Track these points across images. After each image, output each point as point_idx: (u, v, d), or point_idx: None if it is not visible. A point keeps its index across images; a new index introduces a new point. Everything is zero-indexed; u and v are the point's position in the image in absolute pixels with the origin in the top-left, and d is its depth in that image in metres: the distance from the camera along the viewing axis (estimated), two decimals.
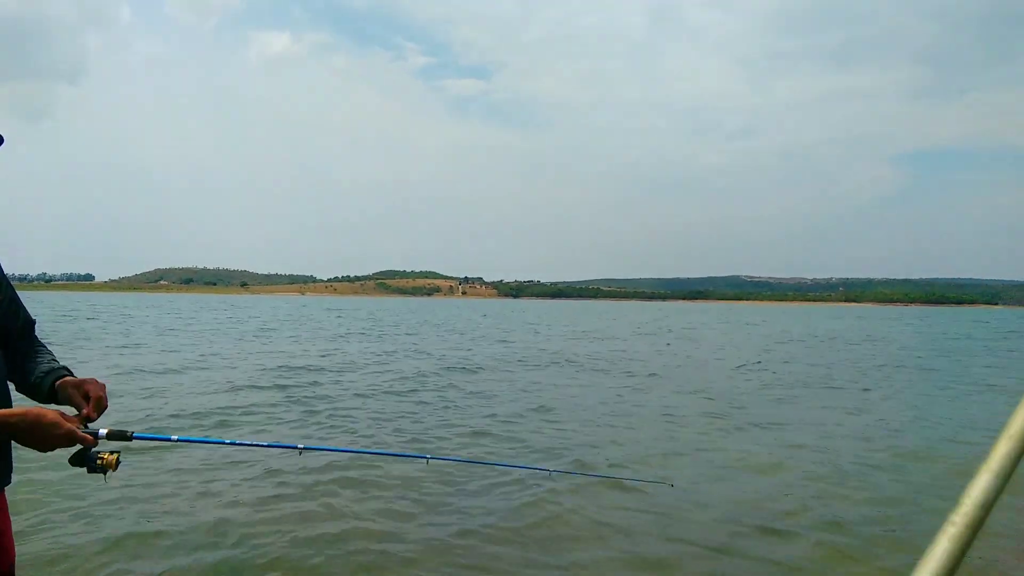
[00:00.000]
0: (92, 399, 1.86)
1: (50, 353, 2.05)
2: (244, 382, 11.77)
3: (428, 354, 18.49)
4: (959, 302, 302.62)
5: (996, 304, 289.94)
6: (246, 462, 6.24)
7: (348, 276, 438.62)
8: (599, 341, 25.67)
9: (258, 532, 4.67)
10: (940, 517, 0.59)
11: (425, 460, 3.18)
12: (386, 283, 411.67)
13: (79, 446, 1.76)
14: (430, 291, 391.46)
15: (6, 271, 2.00)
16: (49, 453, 1.74)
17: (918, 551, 0.58)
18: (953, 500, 0.59)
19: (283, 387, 11.38)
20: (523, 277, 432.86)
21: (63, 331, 23.95)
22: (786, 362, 17.97)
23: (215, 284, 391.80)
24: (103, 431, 1.83)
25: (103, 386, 1.91)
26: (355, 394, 10.82)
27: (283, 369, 13.94)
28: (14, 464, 1.90)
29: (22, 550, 1.89)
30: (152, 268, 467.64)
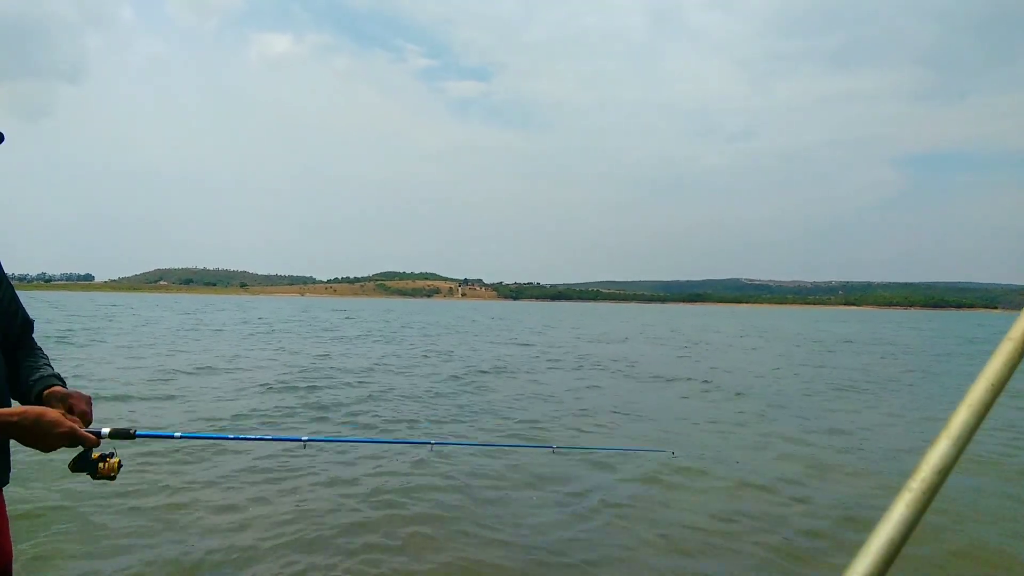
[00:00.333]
0: (76, 413, 1.83)
1: (45, 357, 2.03)
2: (284, 382, 11.67)
3: (457, 355, 18.38)
4: (959, 306, 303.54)
5: (996, 308, 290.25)
6: (253, 456, 6.19)
7: (348, 277, 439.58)
8: (618, 344, 25.58)
9: (266, 528, 4.61)
10: None
11: (429, 445, 3.16)
12: (386, 284, 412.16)
13: (80, 448, 1.75)
14: (430, 292, 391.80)
15: (6, 271, 1.98)
16: (51, 454, 1.74)
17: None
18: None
19: (339, 387, 11.29)
20: (523, 279, 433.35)
21: (80, 333, 23.83)
22: (834, 368, 17.85)
23: (215, 285, 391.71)
24: (105, 430, 1.83)
25: (89, 400, 1.88)
26: (408, 396, 10.72)
27: (325, 370, 13.86)
28: (12, 465, 1.88)
29: (19, 550, 1.83)
30: (152, 268, 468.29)
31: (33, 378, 1.91)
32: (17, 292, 2.04)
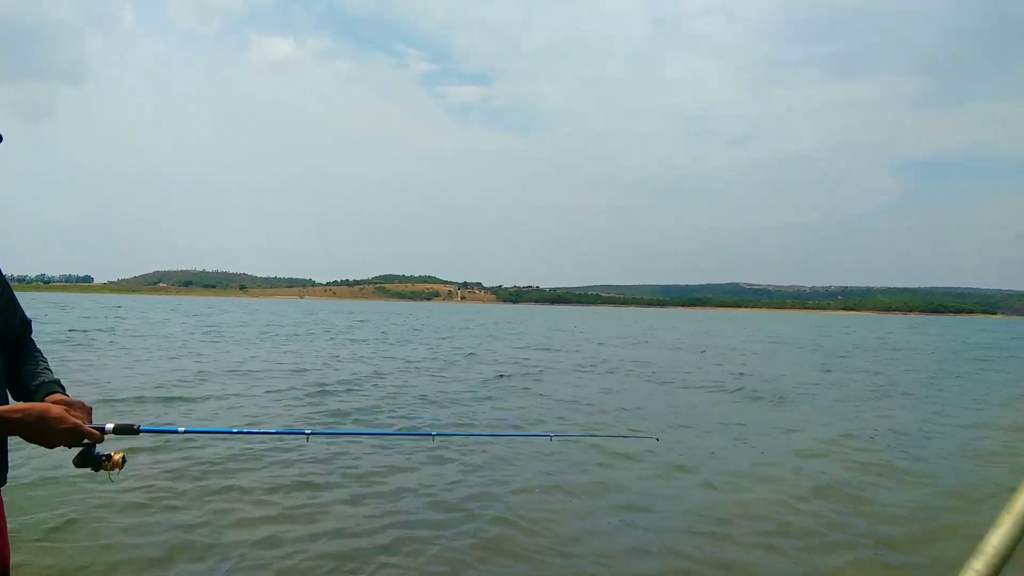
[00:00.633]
0: None
1: (44, 361, 2.05)
2: (326, 384, 11.76)
3: (483, 359, 18.46)
4: (958, 311, 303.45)
5: (995, 314, 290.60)
6: (258, 451, 6.34)
7: (347, 280, 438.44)
8: (636, 347, 25.68)
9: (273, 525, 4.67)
10: None
11: (431, 437, 3.21)
12: (385, 287, 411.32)
13: (84, 443, 1.76)
14: (429, 296, 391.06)
15: (5, 271, 1.99)
16: (53, 451, 1.77)
17: None
18: None
19: (381, 396, 11.40)
20: (522, 283, 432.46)
21: (100, 337, 23.88)
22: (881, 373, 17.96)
23: (214, 287, 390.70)
24: (109, 425, 1.84)
25: (90, 410, 1.88)
26: (446, 397, 10.84)
27: (359, 374, 13.97)
28: (9, 464, 1.91)
29: (17, 550, 1.92)
30: (151, 270, 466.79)
31: (35, 383, 1.93)
32: (17, 293, 2.06)
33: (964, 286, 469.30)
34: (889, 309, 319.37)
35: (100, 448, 1.81)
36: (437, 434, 2.90)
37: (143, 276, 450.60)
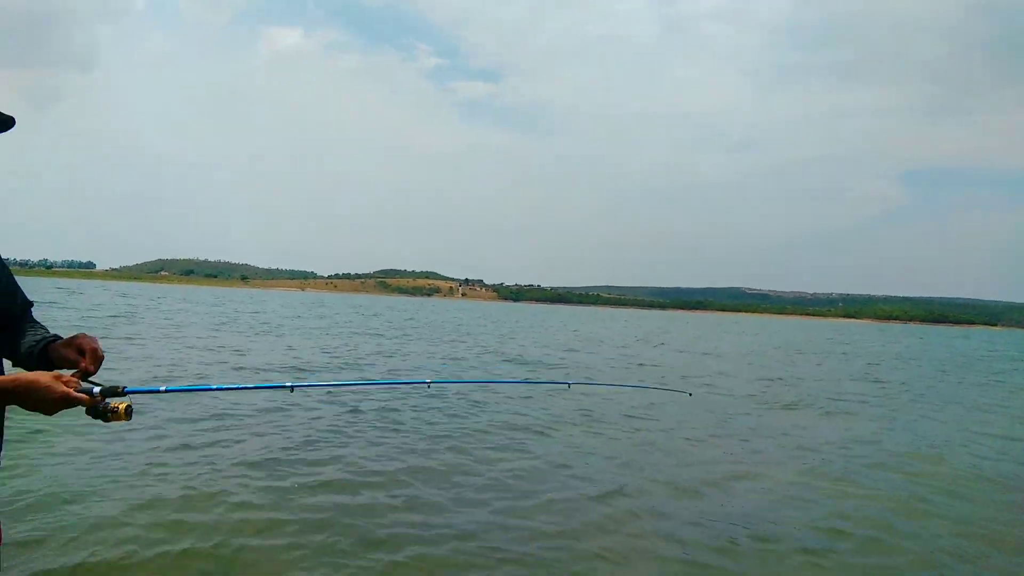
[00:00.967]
0: (87, 351, 1.93)
1: (44, 328, 2.09)
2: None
3: (525, 355, 18.65)
4: (958, 321, 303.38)
5: (996, 325, 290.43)
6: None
7: (349, 273, 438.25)
8: (675, 353, 25.75)
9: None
10: None
11: (427, 384, 3.28)
12: (386, 282, 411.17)
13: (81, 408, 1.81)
14: (430, 292, 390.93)
15: (7, 256, 2.02)
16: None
17: None
18: None
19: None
20: (523, 281, 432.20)
21: (152, 326, 23.96)
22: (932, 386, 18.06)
23: (216, 276, 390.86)
24: (96, 389, 1.87)
25: (95, 338, 1.95)
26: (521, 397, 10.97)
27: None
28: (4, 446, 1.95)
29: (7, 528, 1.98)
30: (154, 258, 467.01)
31: (33, 342, 1.98)
32: (19, 278, 2.12)
33: (966, 297, 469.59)
34: (890, 317, 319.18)
35: (111, 402, 1.86)
36: (433, 381, 2.95)
37: (145, 264, 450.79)
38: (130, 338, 17.58)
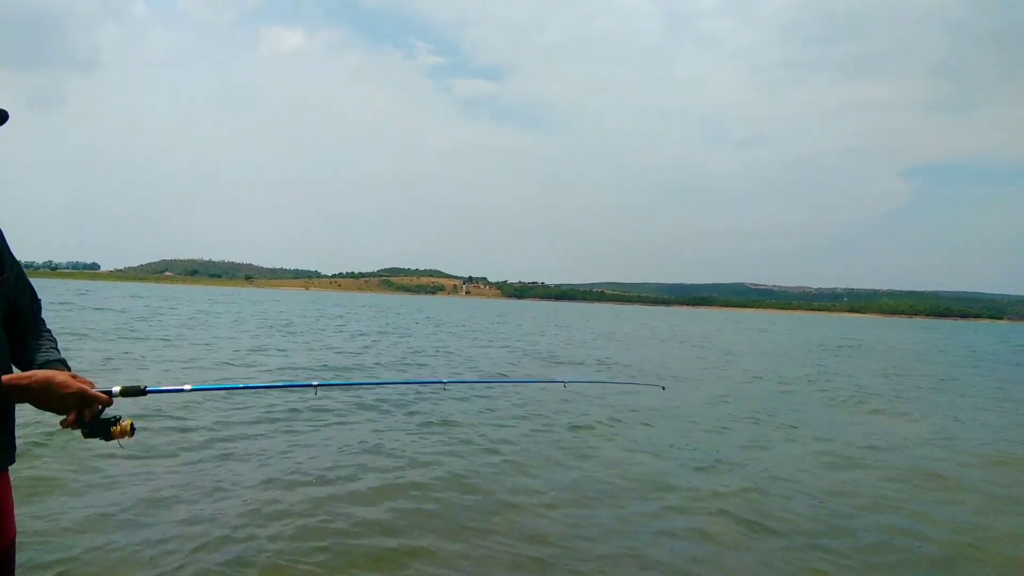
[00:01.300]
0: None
1: (53, 340, 2.10)
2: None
3: (557, 355, 18.68)
4: (964, 315, 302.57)
5: (1001, 319, 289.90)
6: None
7: (352, 272, 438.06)
8: (719, 352, 25.74)
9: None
10: None
11: (443, 385, 3.28)
12: (390, 280, 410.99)
13: (94, 409, 1.78)
14: (434, 289, 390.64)
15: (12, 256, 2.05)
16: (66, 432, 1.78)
17: None
18: None
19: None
20: (526, 278, 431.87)
21: (187, 330, 24.03)
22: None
23: (220, 276, 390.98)
24: (116, 388, 1.83)
25: (91, 384, 1.90)
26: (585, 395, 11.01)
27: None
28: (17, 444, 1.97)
29: (22, 528, 2.00)
30: (158, 259, 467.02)
31: (38, 361, 1.96)
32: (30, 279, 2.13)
33: (970, 290, 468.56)
34: (895, 312, 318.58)
35: (111, 415, 1.81)
36: (448, 381, 2.97)
37: (149, 264, 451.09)
38: (167, 340, 17.67)
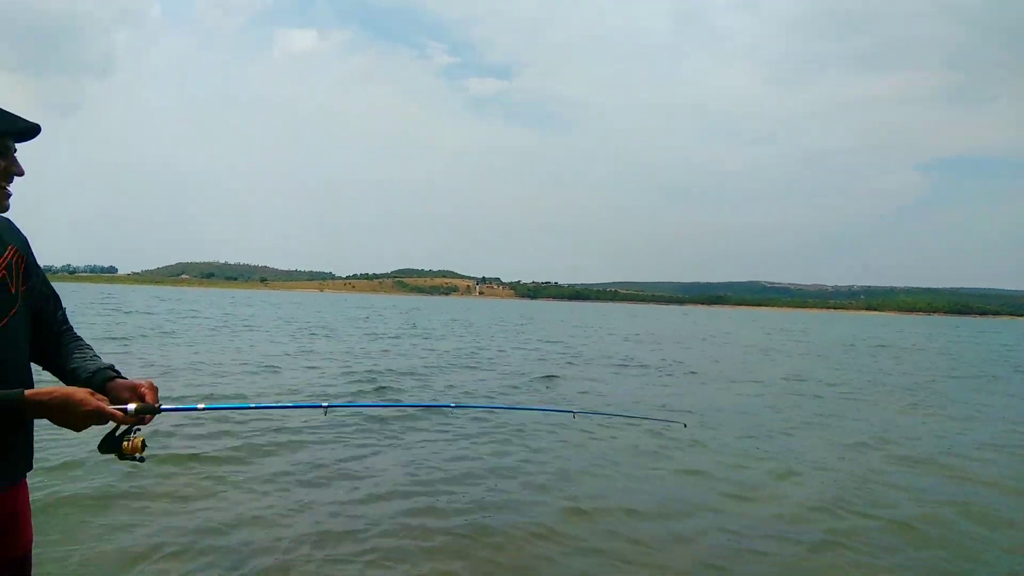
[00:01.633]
0: (147, 400, 1.89)
1: (90, 348, 2.09)
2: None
3: (617, 355, 18.69)
4: (983, 312, 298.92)
5: (1022, 315, 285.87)
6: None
7: (367, 274, 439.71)
8: (790, 358, 25.60)
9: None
10: None
11: (451, 407, 3.21)
12: (404, 281, 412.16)
13: (110, 427, 1.80)
14: (447, 290, 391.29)
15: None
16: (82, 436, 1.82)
17: None
18: None
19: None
20: (540, 278, 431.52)
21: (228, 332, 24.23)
22: None
23: (235, 279, 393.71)
24: (131, 406, 1.82)
25: (156, 388, 1.94)
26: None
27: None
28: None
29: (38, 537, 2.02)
30: (174, 262, 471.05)
31: (90, 369, 1.96)
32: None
33: (989, 287, 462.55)
34: (912, 309, 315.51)
35: (126, 431, 1.83)
36: (456, 405, 2.89)
37: (166, 267, 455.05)
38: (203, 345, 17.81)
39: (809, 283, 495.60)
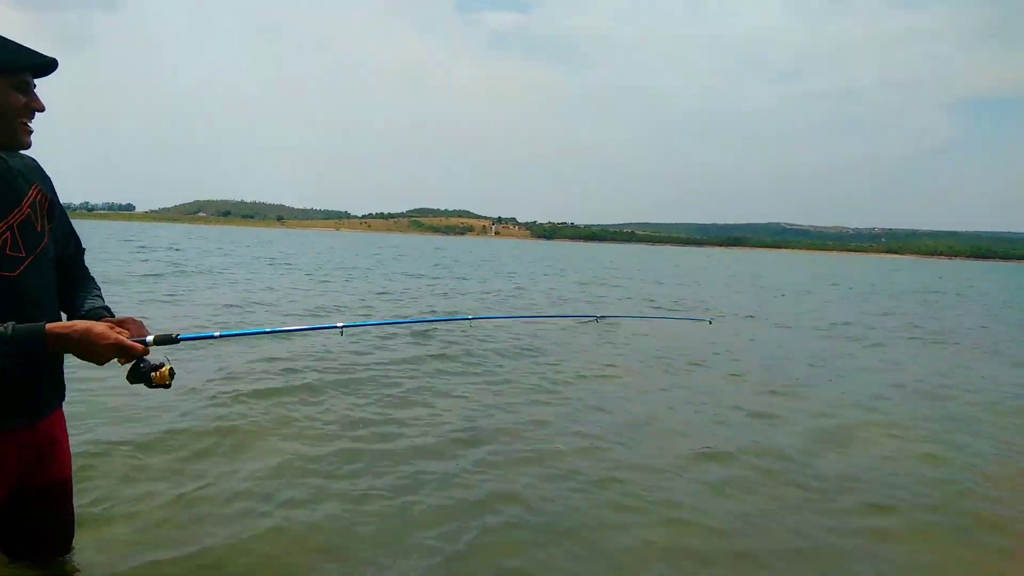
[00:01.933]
0: (133, 333, 1.94)
1: (98, 288, 2.17)
2: None
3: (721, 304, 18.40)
4: (1006, 257, 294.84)
5: None
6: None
7: (382, 213, 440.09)
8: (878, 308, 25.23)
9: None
10: None
11: (469, 321, 3.06)
12: (419, 221, 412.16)
13: (132, 360, 1.87)
14: (463, 230, 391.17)
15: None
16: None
17: None
18: None
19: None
20: (556, 219, 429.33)
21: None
22: None
23: (252, 217, 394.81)
24: (150, 338, 1.91)
25: (141, 324, 1.99)
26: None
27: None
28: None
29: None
30: (191, 200, 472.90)
31: (84, 308, 2.03)
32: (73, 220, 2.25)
33: (1013, 231, 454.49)
34: (934, 253, 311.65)
35: (152, 362, 1.90)
36: (473, 317, 2.73)
37: (183, 205, 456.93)
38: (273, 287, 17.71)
39: (830, 225, 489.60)
